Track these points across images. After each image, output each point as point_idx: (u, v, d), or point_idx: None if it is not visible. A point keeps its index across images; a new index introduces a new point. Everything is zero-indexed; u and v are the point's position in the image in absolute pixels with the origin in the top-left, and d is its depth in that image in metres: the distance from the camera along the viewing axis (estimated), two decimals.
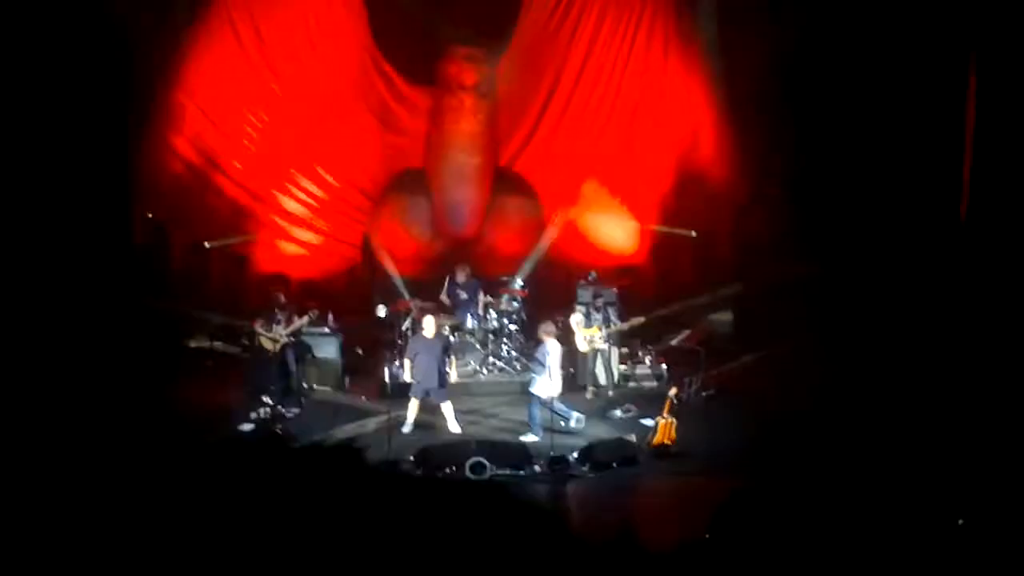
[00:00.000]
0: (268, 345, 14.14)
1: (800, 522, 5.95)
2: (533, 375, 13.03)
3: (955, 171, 12.61)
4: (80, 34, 13.70)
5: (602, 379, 14.53)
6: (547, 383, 12.74)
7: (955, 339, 12.47)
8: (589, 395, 14.54)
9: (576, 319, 14.52)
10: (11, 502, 8.04)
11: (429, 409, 13.16)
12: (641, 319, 14.54)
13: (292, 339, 14.25)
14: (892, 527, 7.93)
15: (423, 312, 14.14)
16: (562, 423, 12.82)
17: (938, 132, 13.18)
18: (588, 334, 14.31)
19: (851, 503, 8.91)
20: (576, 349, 14.60)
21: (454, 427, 13.08)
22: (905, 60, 13.65)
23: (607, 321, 14.38)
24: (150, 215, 15.91)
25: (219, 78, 16.38)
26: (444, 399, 13.11)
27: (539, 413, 12.83)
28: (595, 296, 14.73)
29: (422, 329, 13.40)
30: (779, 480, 9.58)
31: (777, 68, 14.20)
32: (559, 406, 12.92)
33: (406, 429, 13.00)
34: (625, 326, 14.52)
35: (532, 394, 12.92)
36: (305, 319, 14.47)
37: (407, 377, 13.31)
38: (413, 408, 13.10)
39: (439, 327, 13.59)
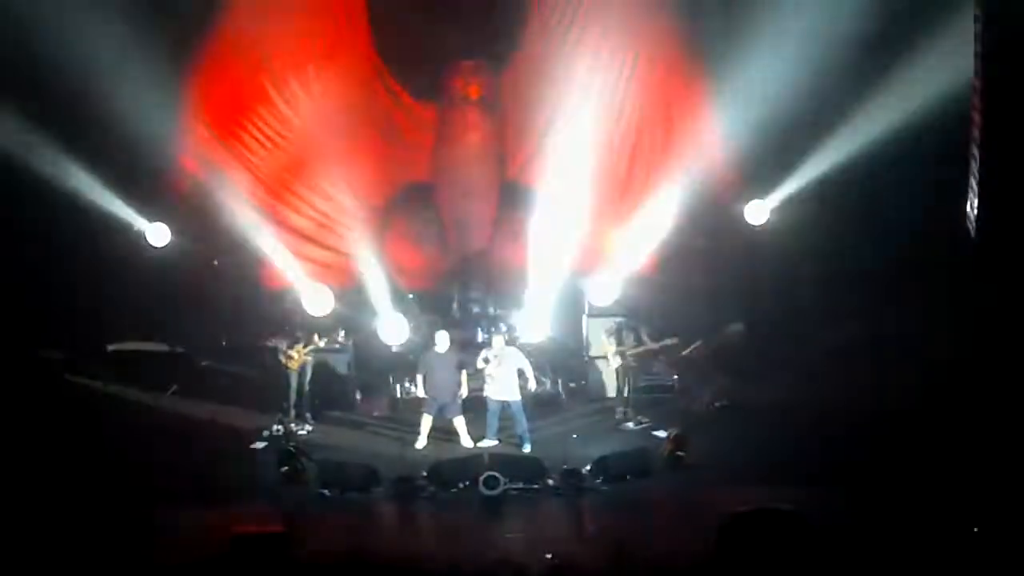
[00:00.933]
0: (284, 362, 14.12)
1: (812, 534, 5.95)
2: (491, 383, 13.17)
3: (963, 185, 12.58)
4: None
5: (620, 392, 14.41)
6: (512, 388, 13.03)
7: (968, 351, 12.41)
8: (614, 412, 14.49)
9: (606, 337, 14.46)
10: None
11: (442, 424, 13.18)
12: (675, 340, 14.35)
13: (307, 357, 14.26)
14: (905, 538, 7.94)
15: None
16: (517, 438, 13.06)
17: (947, 144, 13.15)
18: (618, 350, 14.23)
19: (865, 514, 8.93)
20: (590, 362, 14.55)
21: (467, 441, 13.09)
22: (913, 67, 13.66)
23: (638, 340, 14.27)
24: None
25: (225, 95, 16.41)
26: (457, 414, 13.12)
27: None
28: (628, 315, 14.64)
29: (435, 345, 13.42)
30: (791, 491, 9.55)
31: (784, 80, 14.21)
32: (521, 418, 13.09)
33: (419, 445, 13.01)
34: (657, 346, 14.35)
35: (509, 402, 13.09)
36: (327, 339, 14.51)
37: (420, 392, 13.33)
38: (426, 423, 13.11)
39: (452, 342, 13.60)
